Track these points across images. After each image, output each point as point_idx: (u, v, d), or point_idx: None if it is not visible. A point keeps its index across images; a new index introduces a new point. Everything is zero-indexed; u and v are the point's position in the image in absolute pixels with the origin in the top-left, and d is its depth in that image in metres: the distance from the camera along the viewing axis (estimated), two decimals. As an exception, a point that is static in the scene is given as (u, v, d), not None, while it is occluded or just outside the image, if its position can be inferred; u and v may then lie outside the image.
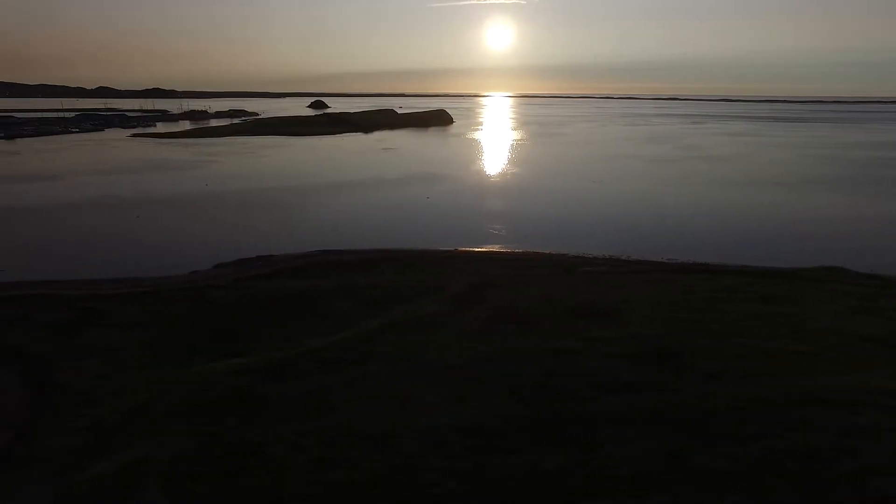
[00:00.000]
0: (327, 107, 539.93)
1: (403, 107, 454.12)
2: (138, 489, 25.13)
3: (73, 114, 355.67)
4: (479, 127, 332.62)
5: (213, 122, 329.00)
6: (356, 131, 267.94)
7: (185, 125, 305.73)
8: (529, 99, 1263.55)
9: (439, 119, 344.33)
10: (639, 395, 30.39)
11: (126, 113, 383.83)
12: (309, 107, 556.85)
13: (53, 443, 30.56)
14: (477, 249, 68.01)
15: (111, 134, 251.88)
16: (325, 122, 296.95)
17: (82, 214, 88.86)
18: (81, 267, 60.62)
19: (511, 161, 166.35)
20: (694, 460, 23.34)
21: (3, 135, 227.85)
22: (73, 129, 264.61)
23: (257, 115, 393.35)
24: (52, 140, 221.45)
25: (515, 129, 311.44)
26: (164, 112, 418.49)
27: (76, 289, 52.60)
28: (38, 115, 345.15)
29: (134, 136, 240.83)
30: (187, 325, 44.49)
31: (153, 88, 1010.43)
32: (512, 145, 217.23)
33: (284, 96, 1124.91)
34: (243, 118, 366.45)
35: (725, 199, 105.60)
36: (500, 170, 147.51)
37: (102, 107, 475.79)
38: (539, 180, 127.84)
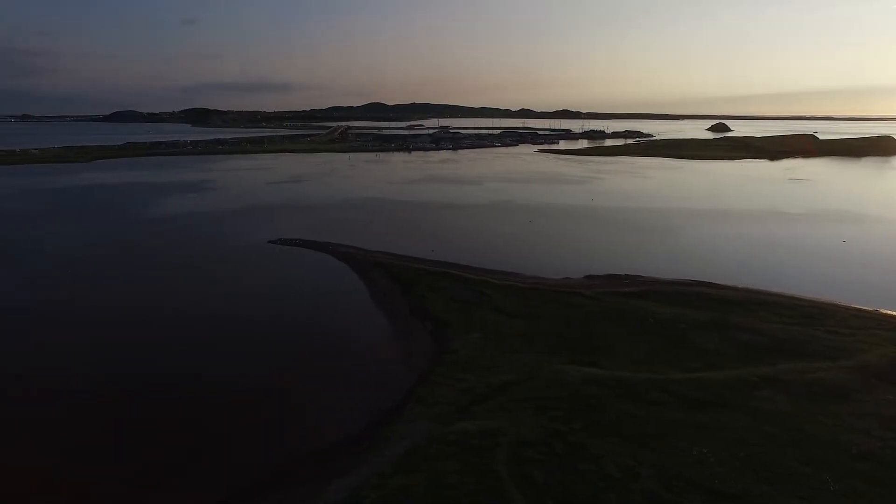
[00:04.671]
0: (729, 130, 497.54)
1: (819, 131, 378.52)
2: (489, 454, 28.97)
3: (498, 131, 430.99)
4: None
5: (608, 142, 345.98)
6: (760, 157, 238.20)
7: (583, 143, 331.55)
8: None
9: (879, 147, 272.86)
10: None
11: (537, 131, 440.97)
12: (708, 130, 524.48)
13: (439, 393, 38.04)
14: (911, 317, 51.50)
15: (522, 148, 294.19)
16: (722, 146, 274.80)
17: (489, 213, 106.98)
18: (479, 255, 73.00)
19: None
20: None
21: (450, 146, 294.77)
22: (497, 144, 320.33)
23: (651, 136, 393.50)
24: (481, 152, 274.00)
25: None
26: (567, 131, 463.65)
27: (476, 274, 63.75)
28: (476, 131, 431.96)
29: (539, 151, 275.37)
30: (554, 325, 48.42)
31: (562, 110, 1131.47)
32: None
33: (682, 118, 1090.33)
34: (637, 139, 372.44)
35: None
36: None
37: (520, 125, 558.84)
38: None
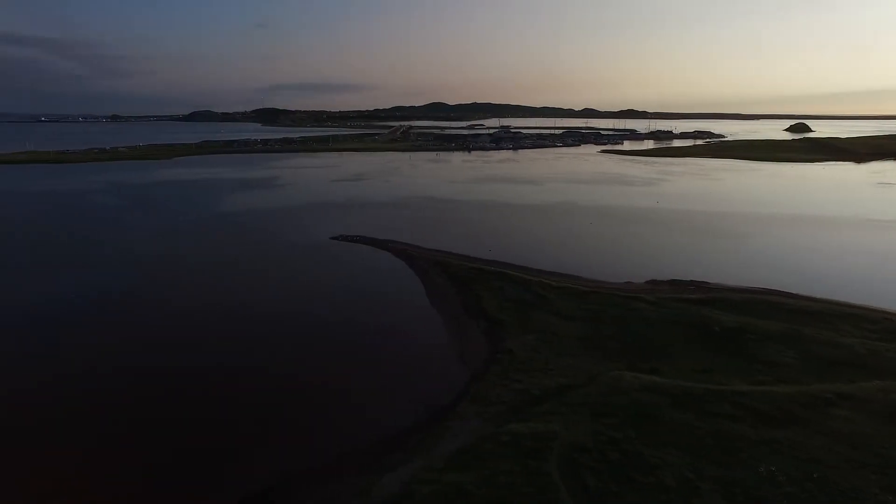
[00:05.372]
0: (810, 130, 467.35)
1: None
2: (541, 457, 28.61)
3: (560, 131, 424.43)
4: None
5: (676, 143, 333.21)
6: (844, 160, 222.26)
7: (649, 144, 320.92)
8: None
9: None
10: None
11: (600, 131, 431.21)
12: (786, 130, 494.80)
13: (492, 393, 37.95)
14: None
15: (585, 149, 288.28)
16: (801, 148, 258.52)
17: (549, 214, 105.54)
18: (537, 256, 72.14)
19: None
20: None
21: (511, 146, 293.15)
22: (558, 144, 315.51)
23: (723, 137, 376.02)
24: (542, 152, 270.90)
25: None
26: (632, 131, 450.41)
27: (533, 275, 63.10)
28: (537, 131, 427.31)
29: (602, 151, 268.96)
30: (613, 330, 47.22)
31: (627, 110, 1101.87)
32: None
33: (757, 118, 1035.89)
34: (707, 140, 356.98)
35: None
36: None
37: (583, 125, 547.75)
38: None
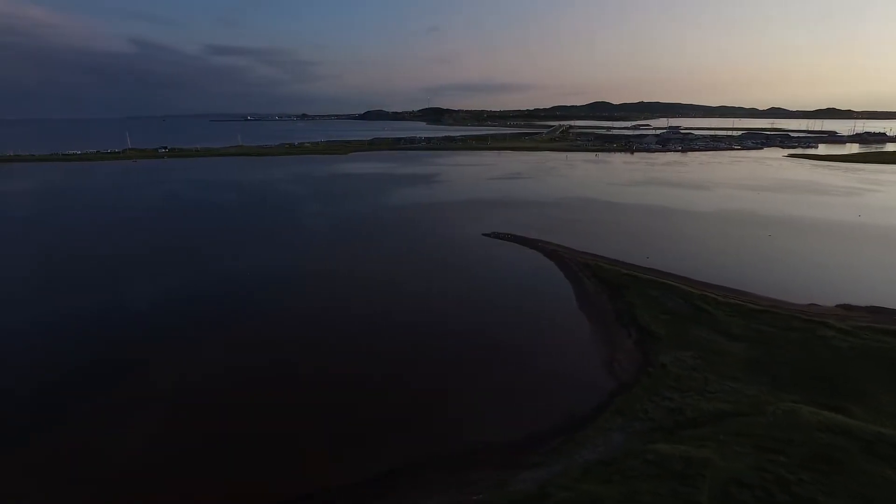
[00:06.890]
0: None
1: None
2: (692, 484, 26.26)
3: (739, 132, 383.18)
4: None
5: (890, 147, 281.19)
6: None
7: (852, 148, 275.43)
8: None
9: None
10: None
11: (789, 133, 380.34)
12: None
13: (639, 407, 35.76)
14: None
15: (768, 152, 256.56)
16: None
17: (717, 222, 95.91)
18: (701, 267, 66.05)
19: None
20: None
21: (680, 148, 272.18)
22: (736, 146, 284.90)
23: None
24: (715, 154, 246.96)
25: None
26: (830, 133, 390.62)
27: (694, 287, 58.03)
28: (711, 132, 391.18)
29: (790, 156, 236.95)
30: (788, 356, 41.64)
31: (826, 108, 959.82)
32: None
33: None
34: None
35: None
36: None
37: (768, 126, 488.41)
38: None
